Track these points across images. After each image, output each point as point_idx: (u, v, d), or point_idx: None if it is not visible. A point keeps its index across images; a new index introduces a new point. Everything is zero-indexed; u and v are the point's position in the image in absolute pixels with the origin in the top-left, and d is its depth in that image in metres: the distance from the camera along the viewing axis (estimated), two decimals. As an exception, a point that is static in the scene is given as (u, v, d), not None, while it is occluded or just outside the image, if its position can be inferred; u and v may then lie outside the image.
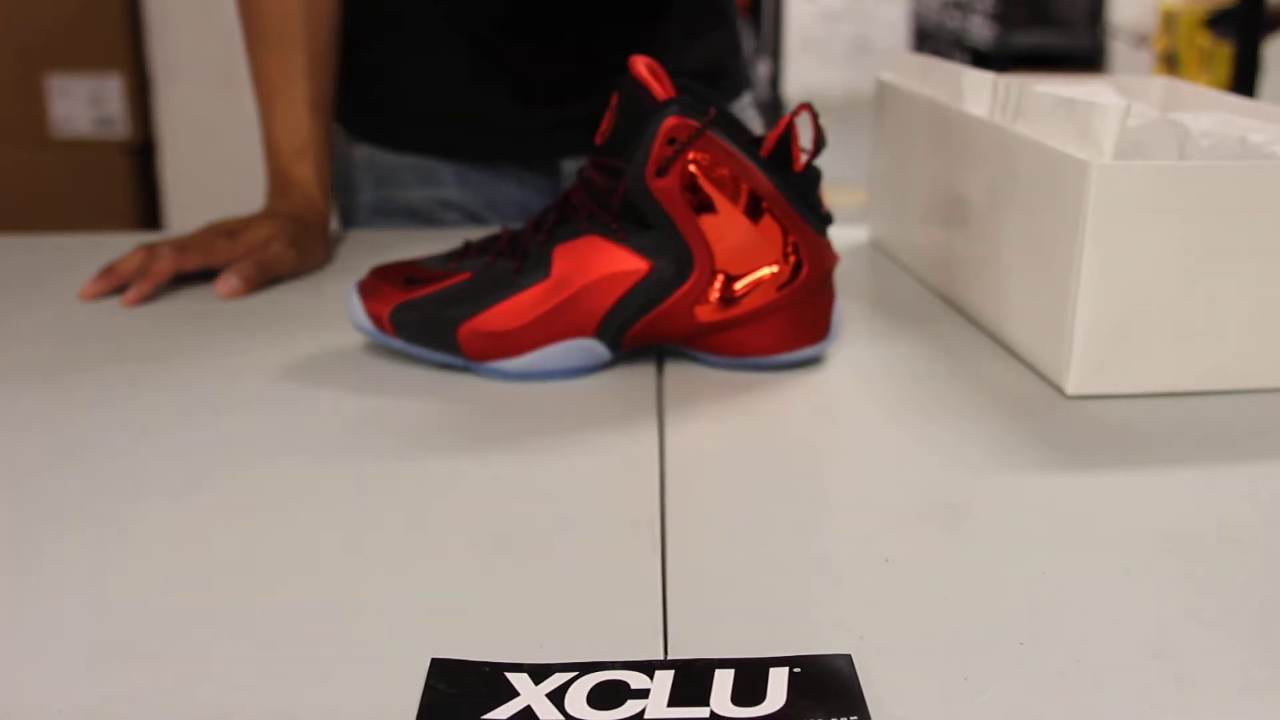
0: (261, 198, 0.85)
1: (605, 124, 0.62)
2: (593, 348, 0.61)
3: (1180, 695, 0.37)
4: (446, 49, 0.90)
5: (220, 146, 1.97)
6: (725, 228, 0.60)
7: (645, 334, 0.62)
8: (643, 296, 0.60)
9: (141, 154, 2.01)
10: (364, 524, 0.47)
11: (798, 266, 0.61)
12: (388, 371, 0.63)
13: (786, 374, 0.63)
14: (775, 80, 4.73)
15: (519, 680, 0.36)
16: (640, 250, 0.60)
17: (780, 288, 0.61)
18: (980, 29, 5.07)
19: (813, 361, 0.65)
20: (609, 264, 0.60)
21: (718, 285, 0.61)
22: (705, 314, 0.61)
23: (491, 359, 0.61)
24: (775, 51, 4.71)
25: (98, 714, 0.36)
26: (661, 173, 0.59)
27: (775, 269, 0.61)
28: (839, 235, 0.87)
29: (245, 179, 1.93)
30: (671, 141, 0.58)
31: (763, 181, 0.60)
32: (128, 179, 1.99)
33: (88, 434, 0.55)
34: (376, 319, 0.62)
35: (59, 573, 0.43)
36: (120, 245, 0.81)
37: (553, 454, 0.53)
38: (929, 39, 5.75)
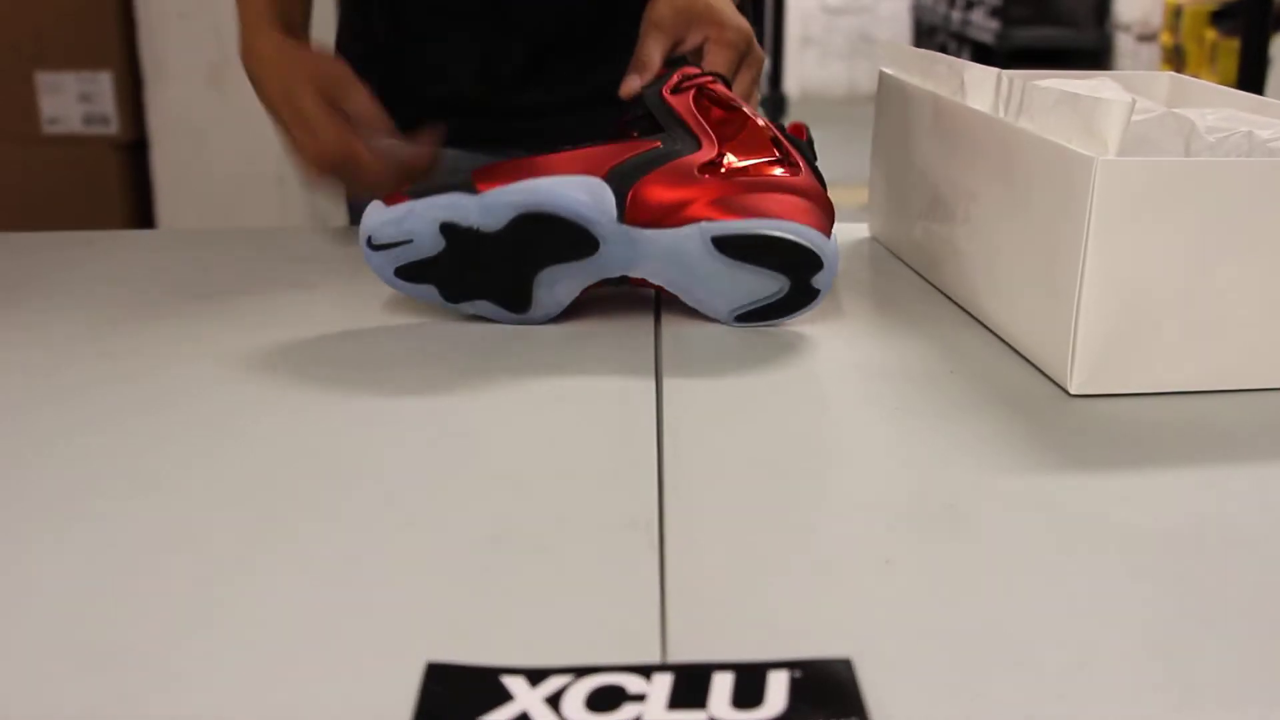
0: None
1: (622, 120, 0.70)
2: (601, 188, 0.63)
3: (1185, 698, 0.36)
4: (455, 28, 0.90)
5: (212, 143, 1.97)
6: (732, 139, 0.67)
7: (649, 194, 0.63)
8: (652, 156, 0.65)
9: (134, 150, 2.00)
10: (357, 525, 0.47)
11: (797, 168, 0.67)
12: (382, 373, 0.63)
13: (786, 373, 0.63)
14: (775, 77, 4.73)
15: (515, 684, 0.36)
16: (654, 137, 0.66)
17: (782, 171, 0.66)
18: (983, 24, 5.07)
19: (812, 360, 0.64)
20: (622, 140, 0.67)
21: (725, 162, 0.66)
22: (708, 177, 0.65)
23: (501, 183, 0.63)
24: (775, 48, 4.71)
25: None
26: (675, 91, 0.68)
27: (778, 158, 0.67)
28: (840, 232, 0.86)
29: (238, 175, 1.95)
30: (685, 77, 0.69)
31: (768, 123, 0.68)
32: (120, 176, 1.99)
33: (77, 432, 0.55)
34: (390, 200, 0.64)
35: (46, 574, 0.43)
36: (113, 243, 0.80)
37: (549, 454, 0.53)
38: (931, 34, 5.75)
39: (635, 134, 0.68)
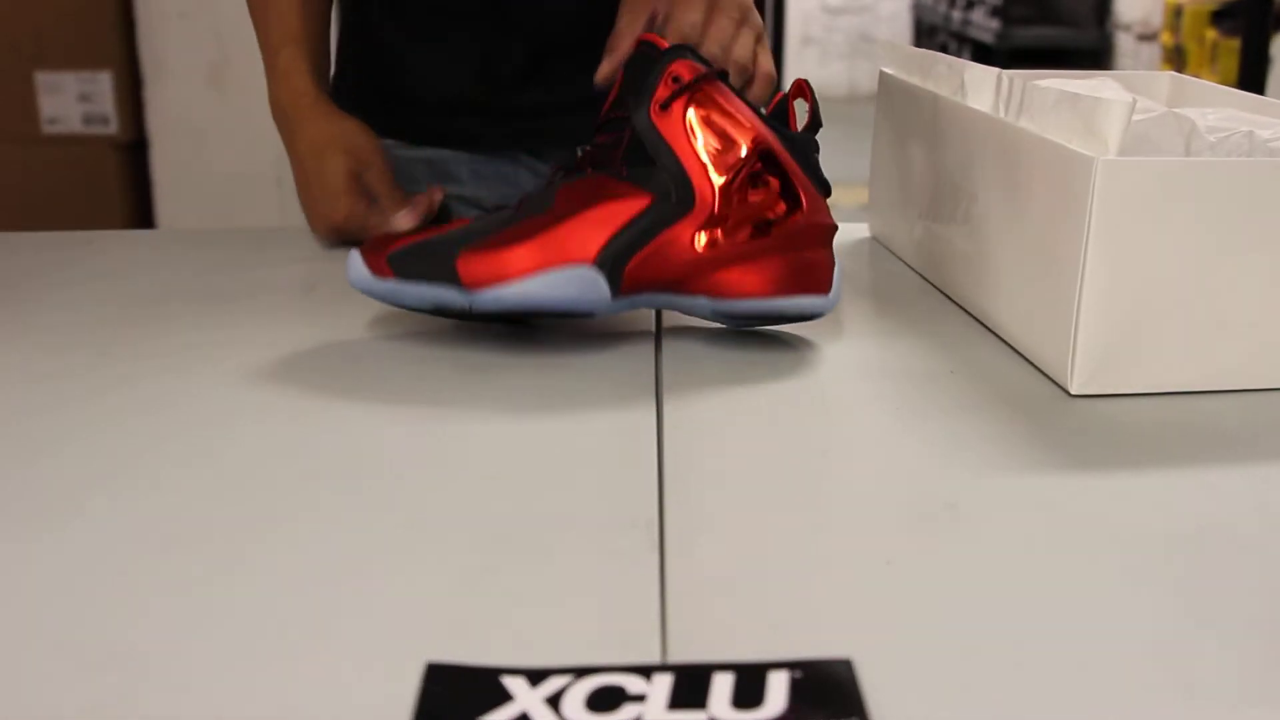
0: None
1: (612, 93, 0.64)
2: (593, 278, 0.60)
3: (1185, 701, 0.36)
4: (454, 28, 0.90)
5: (211, 142, 1.96)
6: (727, 166, 0.61)
7: (645, 269, 0.61)
8: (643, 226, 0.60)
9: (133, 150, 2.00)
10: (357, 526, 0.47)
11: (798, 206, 0.62)
12: (381, 372, 0.62)
13: (786, 372, 0.63)
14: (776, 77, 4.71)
15: (515, 684, 0.36)
16: (643, 184, 0.61)
17: (781, 224, 0.62)
18: (983, 23, 5.06)
19: (813, 360, 0.64)
20: (611, 195, 0.61)
21: (719, 218, 0.61)
22: (706, 247, 0.61)
23: (490, 283, 0.60)
24: (775, 47, 4.71)
25: None
26: (665, 107, 0.61)
27: (776, 207, 0.62)
28: (840, 231, 0.86)
29: (236, 174, 1.95)
30: (676, 80, 0.61)
31: (764, 130, 0.62)
32: (119, 176, 1.99)
33: (77, 432, 0.55)
34: (374, 265, 0.62)
35: (43, 575, 0.43)
36: (113, 243, 0.80)
37: (549, 453, 0.53)
38: (931, 34, 5.75)
39: (624, 170, 0.62)
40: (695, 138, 0.61)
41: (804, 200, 0.63)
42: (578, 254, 0.60)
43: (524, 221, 0.61)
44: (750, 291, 0.62)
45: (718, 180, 0.61)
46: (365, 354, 0.65)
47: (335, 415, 0.57)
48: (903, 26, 6.08)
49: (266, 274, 0.79)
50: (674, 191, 0.61)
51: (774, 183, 0.62)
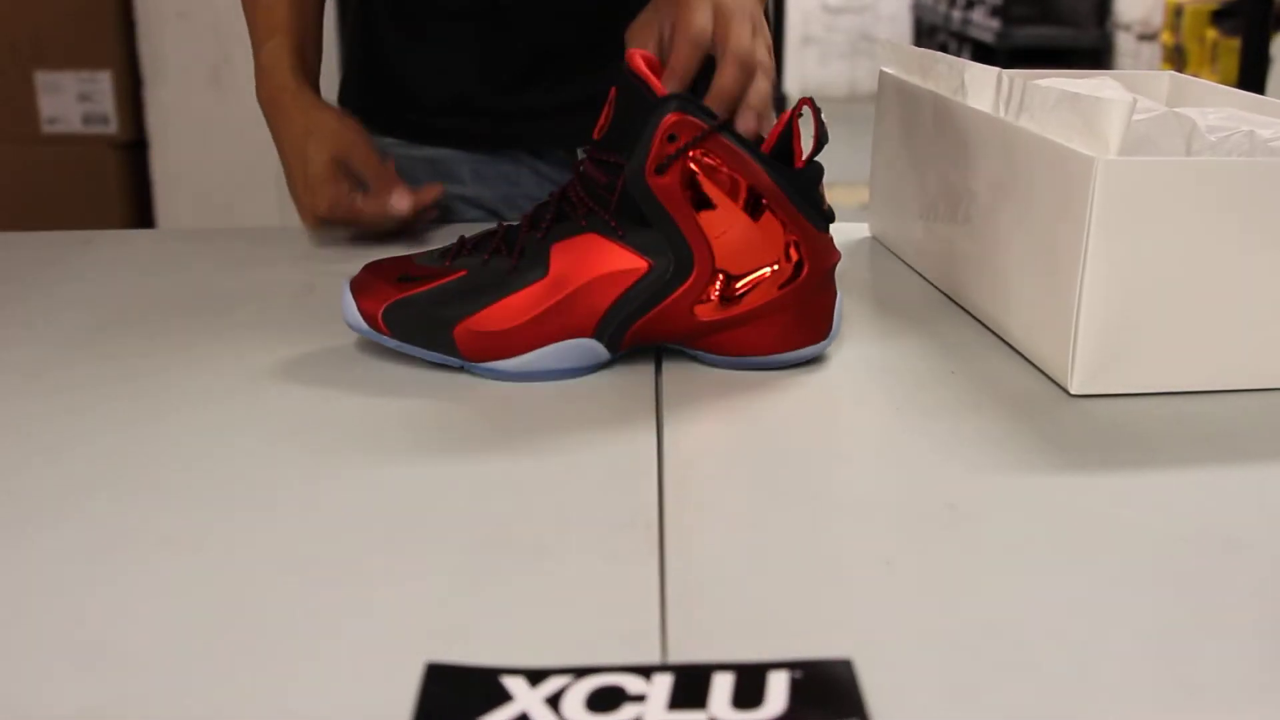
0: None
1: (603, 118, 0.62)
2: (591, 348, 0.60)
3: (1185, 700, 0.36)
4: (455, 28, 0.90)
5: (211, 142, 1.96)
6: (725, 225, 0.59)
7: (644, 333, 0.61)
8: (642, 296, 0.59)
9: (133, 150, 2.00)
10: (358, 526, 0.47)
11: (799, 265, 0.60)
12: (381, 371, 0.62)
13: (787, 373, 0.63)
14: (776, 76, 4.72)
15: (515, 684, 0.36)
16: (639, 249, 0.59)
17: (781, 286, 0.60)
18: (984, 23, 5.06)
19: (814, 361, 0.64)
20: (607, 263, 0.59)
21: (718, 284, 0.60)
22: (705, 313, 0.60)
23: (488, 359, 0.60)
24: (776, 47, 4.71)
25: None
26: (661, 170, 0.58)
27: (776, 267, 0.60)
28: (840, 231, 0.86)
29: (236, 174, 1.94)
30: (672, 139, 0.58)
31: (764, 179, 0.59)
32: (119, 175, 1.99)
33: (76, 431, 0.55)
34: (370, 317, 0.61)
35: (43, 575, 0.43)
36: (112, 242, 0.80)
37: (550, 454, 0.53)
38: (931, 33, 5.75)
39: (621, 231, 0.59)
40: (693, 201, 0.58)
41: (807, 262, 0.60)
42: (576, 327, 0.59)
43: (519, 291, 0.59)
44: (750, 350, 0.62)
45: (716, 246, 0.59)
46: (364, 355, 0.65)
47: (334, 416, 0.57)
48: (903, 26, 6.07)
49: (266, 274, 0.79)
50: (672, 258, 0.59)
51: (776, 242, 0.60)
